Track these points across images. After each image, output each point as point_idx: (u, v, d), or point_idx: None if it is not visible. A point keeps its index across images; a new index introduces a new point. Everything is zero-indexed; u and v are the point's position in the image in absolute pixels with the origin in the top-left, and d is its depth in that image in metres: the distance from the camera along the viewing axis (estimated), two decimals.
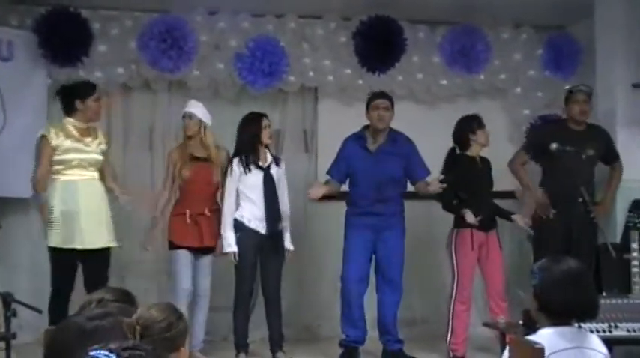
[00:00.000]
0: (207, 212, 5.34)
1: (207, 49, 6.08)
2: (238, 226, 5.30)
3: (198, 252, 5.37)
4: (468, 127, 5.57)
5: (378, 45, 6.12)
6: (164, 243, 5.55)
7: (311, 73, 6.31)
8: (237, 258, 5.27)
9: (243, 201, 5.33)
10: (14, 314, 3.78)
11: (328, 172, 5.57)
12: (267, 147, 5.45)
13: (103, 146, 5.20)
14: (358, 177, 5.46)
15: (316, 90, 6.54)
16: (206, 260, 5.40)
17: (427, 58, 6.46)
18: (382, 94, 5.54)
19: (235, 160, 5.34)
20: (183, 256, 5.32)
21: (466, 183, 5.44)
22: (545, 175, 5.68)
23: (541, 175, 5.76)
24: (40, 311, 4.15)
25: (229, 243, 5.28)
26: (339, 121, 5.62)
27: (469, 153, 5.57)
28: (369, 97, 5.54)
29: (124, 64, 6.01)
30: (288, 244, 5.45)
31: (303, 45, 6.30)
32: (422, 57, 6.44)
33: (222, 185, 5.41)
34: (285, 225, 5.46)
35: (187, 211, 5.31)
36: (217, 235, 5.35)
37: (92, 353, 1.66)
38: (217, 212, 5.38)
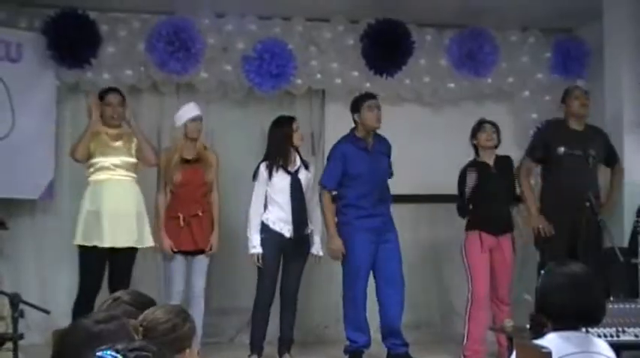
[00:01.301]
0: (200, 213, 5.33)
1: (215, 52, 6.09)
2: (263, 228, 5.32)
3: (191, 253, 5.35)
4: (471, 134, 5.60)
5: (386, 48, 6.12)
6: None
7: (318, 76, 6.31)
8: (260, 259, 5.28)
9: (271, 204, 5.35)
10: (21, 315, 3.79)
11: (328, 186, 5.38)
12: (297, 150, 5.46)
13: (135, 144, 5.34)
14: (360, 179, 5.37)
15: (323, 92, 6.54)
16: (201, 261, 5.36)
17: (434, 60, 6.45)
18: (373, 95, 5.54)
19: (263, 164, 5.36)
20: (178, 260, 5.32)
21: (476, 189, 5.44)
22: (549, 179, 5.59)
23: (541, 178, 5.71)
24: (47, 312, 4.15)
25: (254, 244, 5.29)
26: (347, 124, 5.59)
27: (480, 159, 5.58)
28: (357, 99, 5.47)
29: (132, 66, 6.03)
30: (317, 249, 5.45)
31: (310, 47, 6.30)
32: (429, 60, 6.44)
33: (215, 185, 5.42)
34: (316, 228, 5.46)
35: (180, 215, 5.30)
36: (210, 236, 5.34)
37: (99, 353, 1.67)
38: (210, 212, 5.38)
